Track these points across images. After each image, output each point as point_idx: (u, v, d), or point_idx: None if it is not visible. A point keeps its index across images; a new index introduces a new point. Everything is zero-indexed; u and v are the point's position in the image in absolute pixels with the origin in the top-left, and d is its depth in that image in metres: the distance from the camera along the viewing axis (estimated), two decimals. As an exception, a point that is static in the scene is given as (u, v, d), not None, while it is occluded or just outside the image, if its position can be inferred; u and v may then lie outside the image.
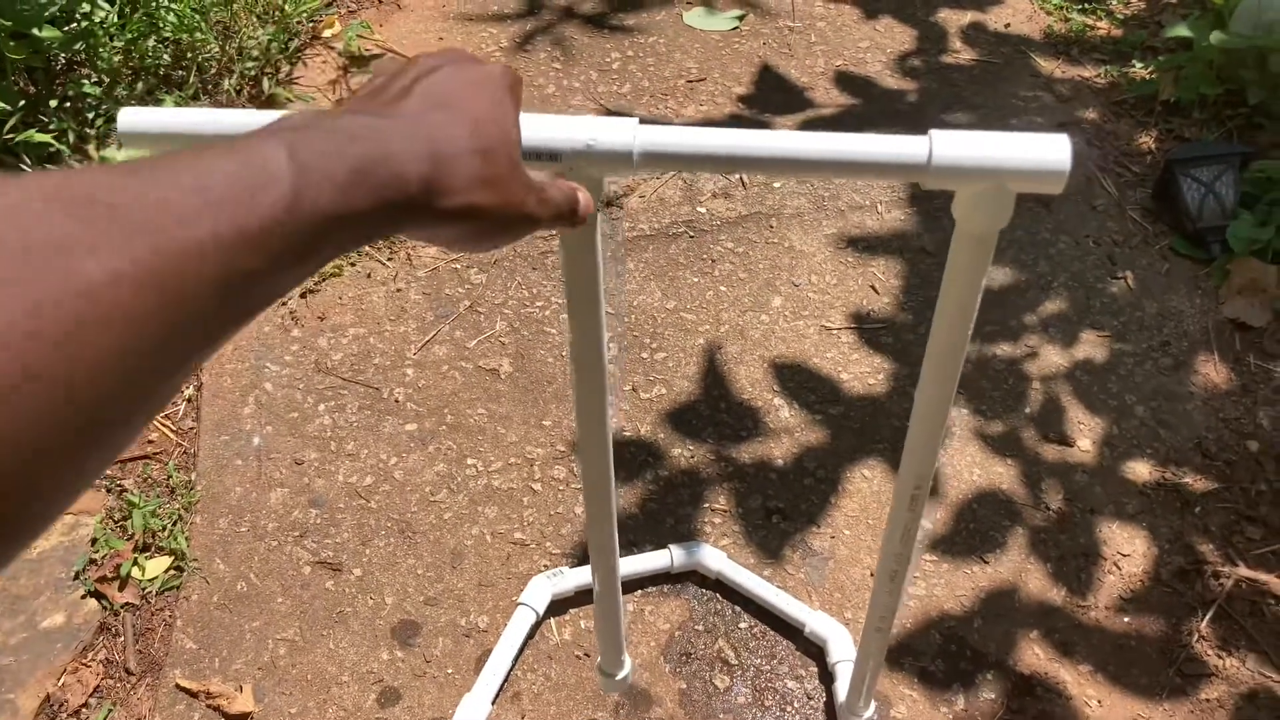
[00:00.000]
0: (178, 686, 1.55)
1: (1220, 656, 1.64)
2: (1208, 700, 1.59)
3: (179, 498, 1.74)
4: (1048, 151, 0.70)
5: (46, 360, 0.28)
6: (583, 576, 1.64)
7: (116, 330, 0.31)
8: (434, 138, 0.46)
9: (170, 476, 1.76)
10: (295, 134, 0.41)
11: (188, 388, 1.89)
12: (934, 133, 0.70)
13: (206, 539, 1.71)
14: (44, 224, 0.30)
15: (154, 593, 1.64)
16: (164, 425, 1.84)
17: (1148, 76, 2.60)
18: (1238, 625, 1.67)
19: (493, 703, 1.53)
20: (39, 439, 0.29)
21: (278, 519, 1.73)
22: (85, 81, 2.16)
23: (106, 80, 2.22)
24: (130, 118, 0.75)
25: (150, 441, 1.82)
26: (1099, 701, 1.58)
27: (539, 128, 0.71)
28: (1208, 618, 1.67)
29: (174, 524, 1.70)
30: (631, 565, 1.65)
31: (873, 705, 1.45)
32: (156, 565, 1.66)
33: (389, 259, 2.11)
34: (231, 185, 0.36)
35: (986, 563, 1.73)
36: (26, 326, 0.28)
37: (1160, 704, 1.58)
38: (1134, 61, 2.66)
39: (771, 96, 2.52)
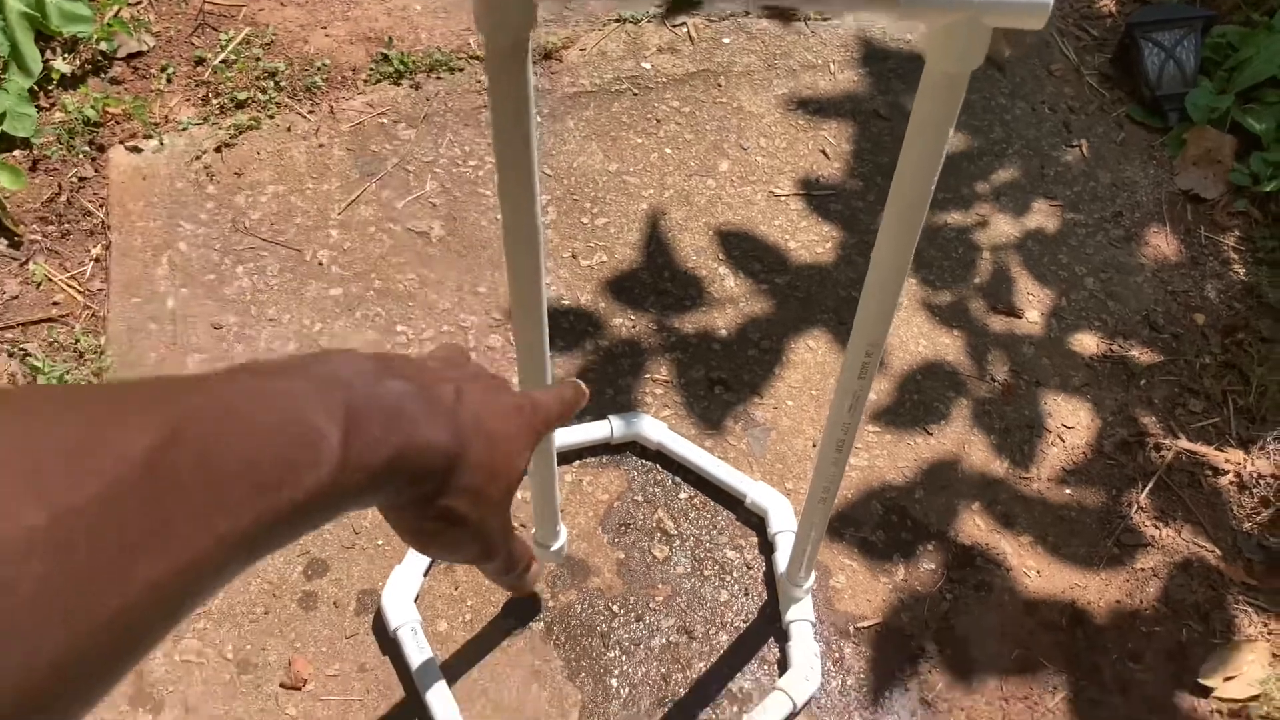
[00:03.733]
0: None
1: (1157, 527, 1.64)
2: (1143, 570, 1.60)
3: (88, 363, 1.64)
4: (1034, -25, 0.62)
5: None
6: (518, 447, 1.58)
7: (128, 620, 0.30)
8: (462, 433, 0.44)
9: (78, 340, 1.65)
10: (352, 405, 0.39)
11: (95, 246, 1.77)
12: (909, -50, 0.62)
13: (120, 407, 1.62)
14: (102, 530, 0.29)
15: (64, 462, 1.55)
16: (70, 286, 1.72)
17: (1112, -65, 2.49)
18: (1176, 496, 1.67)
19: (425, 574, 1.49)
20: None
21: (196, 386, 1.64)
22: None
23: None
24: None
25: (55, 303, 1.71)
26: (1038, 572, 1.58)
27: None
28: (1147, 489, 1.67)
29: (84, 391, 1.60)
30: (570, 435, 1.60)
31: (813, 575, 1.43)
32: (66, 434, 1.57)
33: (310, 111, 1.98)
34: (280, 467, 0.35)
35: (930, 434, 1.70)
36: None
37: (1097, 574, 1.59)
38: (1099, -81, 2.54)
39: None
